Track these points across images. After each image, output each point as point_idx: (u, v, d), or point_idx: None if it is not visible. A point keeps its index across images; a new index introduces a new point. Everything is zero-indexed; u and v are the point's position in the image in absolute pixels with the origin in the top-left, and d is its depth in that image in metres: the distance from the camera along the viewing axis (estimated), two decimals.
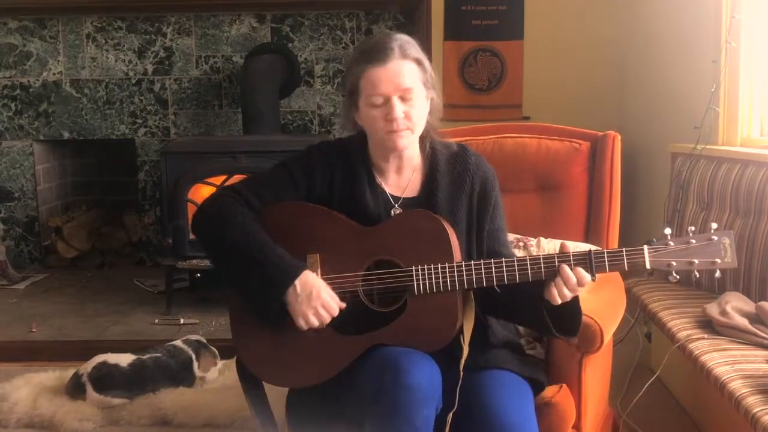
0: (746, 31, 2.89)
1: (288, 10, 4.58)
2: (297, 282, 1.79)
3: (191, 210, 3.86)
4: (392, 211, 1.92)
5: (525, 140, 2.57)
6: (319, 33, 4.61)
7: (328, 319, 1.80)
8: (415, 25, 4.42)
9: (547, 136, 2.57)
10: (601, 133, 2.55)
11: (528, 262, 1.77)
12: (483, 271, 1.78)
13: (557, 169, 2.52)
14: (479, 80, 4.58)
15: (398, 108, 1.82)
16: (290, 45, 4.61)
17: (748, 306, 2.41)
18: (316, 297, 1.79)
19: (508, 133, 2.60)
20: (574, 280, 1.74)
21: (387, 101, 1.83)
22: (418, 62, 1.87)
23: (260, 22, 4.62)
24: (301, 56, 4.62)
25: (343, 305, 1.82)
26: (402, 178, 1.96)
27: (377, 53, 1.83)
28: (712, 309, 2.43)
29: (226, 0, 4.51)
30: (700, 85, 3.07)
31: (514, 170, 2.50)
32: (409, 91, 1.83)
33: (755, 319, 2.33)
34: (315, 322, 1.79)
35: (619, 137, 2.53)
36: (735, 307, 2.39)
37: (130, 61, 4.68)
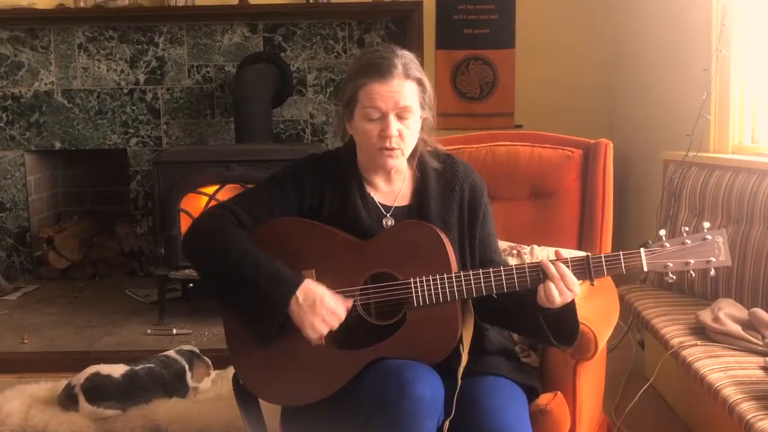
0: (736, 39, 2.91)
1: (280, 20, 4.59)
2: (299, 293, 1.76)
3: (184, 220, 3.85)
4: (384, 221, 1.92)
5: (518, 148, 2.57)
6: (311, 42, 4.61)
7: (336, 324, 1.78)
8: (407, 34, 4.42)
9: (540, 144, 2.57)
10: (593, 141, 2.56)
11: (527, 269, 1.77)
12: (482, 280, 1.77)
13: (550, 177, 2.52)
14: (471, 89, 4.59)
15: (394, 126, 1.82)
16: (282, 54, 4.61)
17: (741, 312, 2.42)
18: (321, 304, 1.76)
19: (501, 141, 2.61)
20: (557, 274, 1.73)
21: (383, 117, 1.82)
22: (419, 82, 1.87)
23: (252, 31, 4.62)
24: (293, 65, 4.62)
25: (350, 303, 1.80)
26: (392, 187, 1.96)
27: (381, 68, 1.82)
28: (705, 316, 2.44)
29: (219, 9, 4.52)
30: (691, 93, 3.08)
31: (507, 178, 2.51)
32: (407, 110, 1.83)
33: (748, 325, 2.34)
34: (324, 330, 1.77)
35: (612, 145, 2.54)
36: (728, 313, 2.40)
37: (122, 71, 4.68)
